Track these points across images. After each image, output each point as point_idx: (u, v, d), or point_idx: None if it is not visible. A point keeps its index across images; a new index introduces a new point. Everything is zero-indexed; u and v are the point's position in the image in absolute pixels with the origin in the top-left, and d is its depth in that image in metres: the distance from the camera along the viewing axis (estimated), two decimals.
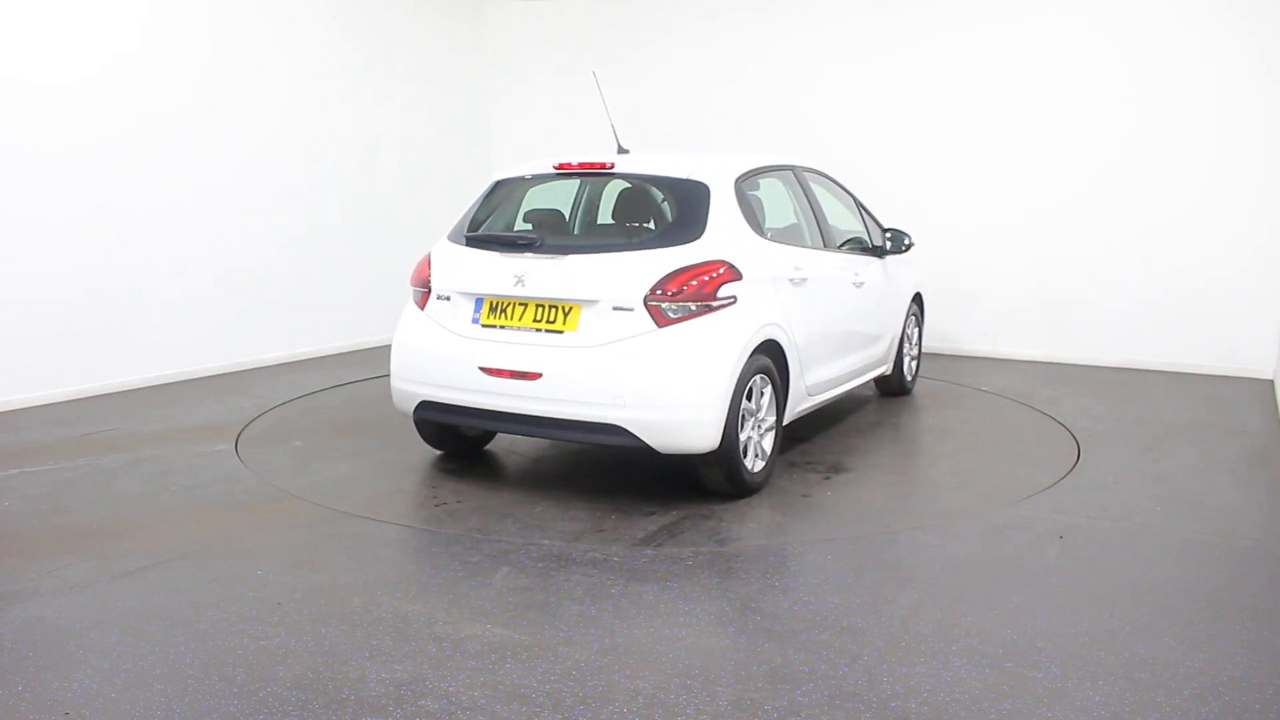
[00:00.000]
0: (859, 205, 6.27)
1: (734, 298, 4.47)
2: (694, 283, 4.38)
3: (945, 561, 3.91)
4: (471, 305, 4.72)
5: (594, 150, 5.67)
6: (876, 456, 5.47)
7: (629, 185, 5.21)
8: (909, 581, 3.68)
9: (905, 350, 6.81)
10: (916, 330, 7.06)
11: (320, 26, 8.24)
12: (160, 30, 6.94)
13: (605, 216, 5.52)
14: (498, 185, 5.21)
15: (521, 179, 5.19)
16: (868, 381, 6.33)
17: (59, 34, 6.32)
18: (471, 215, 5.12)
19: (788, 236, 5.39)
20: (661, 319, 4.34)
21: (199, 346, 7.37)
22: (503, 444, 5.59)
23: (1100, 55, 7.85)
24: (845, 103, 8.79)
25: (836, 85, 8.82)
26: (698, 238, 4.52)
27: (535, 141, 9.61)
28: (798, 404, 5.11)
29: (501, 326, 4.62)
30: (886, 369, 6.55)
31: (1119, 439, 5.80)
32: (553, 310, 4.52)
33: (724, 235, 4.60)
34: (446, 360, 4.69)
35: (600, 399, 4.32)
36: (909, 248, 6.40)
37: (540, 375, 4.42)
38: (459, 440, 5.34)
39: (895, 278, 6.42)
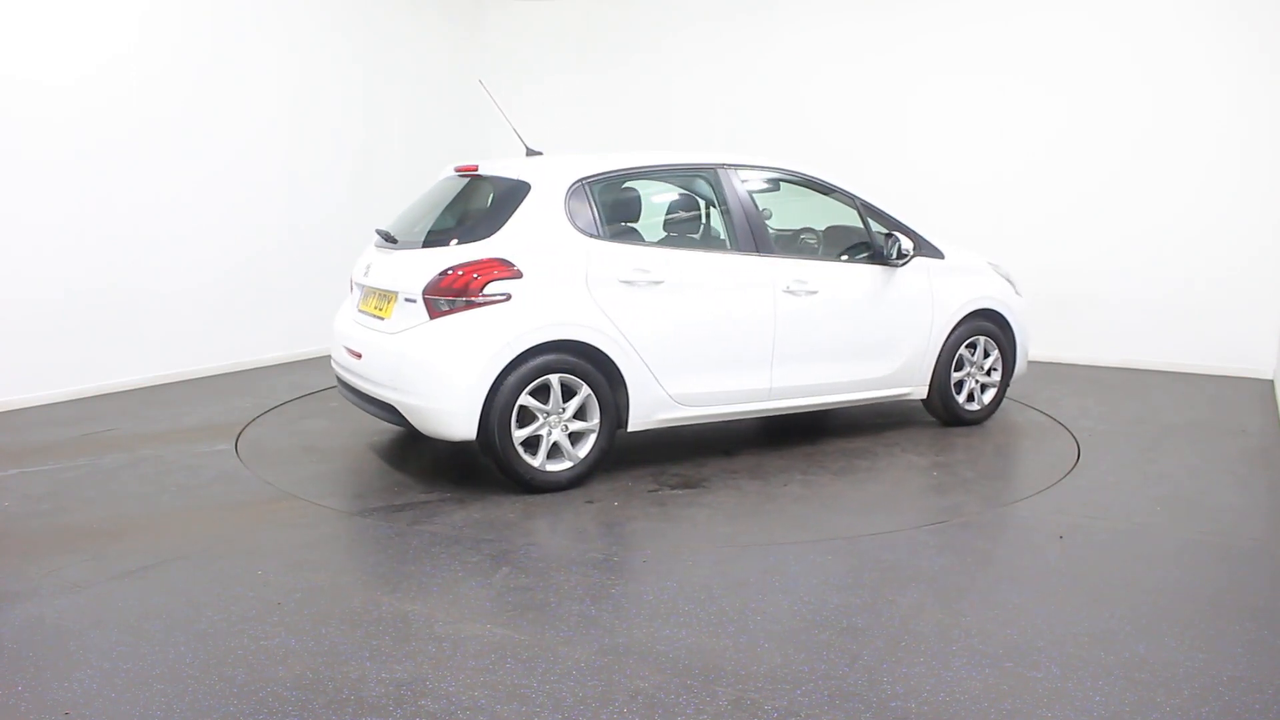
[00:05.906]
0: (864, 210, 5.67)
1: (507, 295, 4.57)
2: (460, 278, 4.56)
3: (945, 561, 3.91)
4: (358, 293, 5.31)
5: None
6: (775, 478, 4.96)
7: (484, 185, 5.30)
8: (909, 581, 3.67)
9: (967, 373, 6.01)
10: (995, 353, 6.07)
11: (319, 28, 8.24)
12: (158, 31, 6.94)
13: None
14: (441, 182, 5.57)
15: (447, 178, 5.55)
16: (887, 401, 5.87)
17: (58, 33, 6.32)
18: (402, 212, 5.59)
19: (672, 239, 5.36)
20: (434, 311, 4.59)
21: (199, 346, 7.38)
22: None
23: (1106, 58, 7.86)
24: (849, 102, 8.80)
25: (840, 84, 8.83)
26: (489, 235, 4.68)
27: (534, 140, 9.59)
28: (657, 412, 4.93)
29: (363, 312, 5.15)
30: (911, 391, 5.83)
31: (1119, 439, 5.80)
32: (383, 299, 4.96)
33: (521, 234, 4.68)
34: (337, 340, 5.35)
35: (384, 380, 4.75)
36: (900, 257, 5.60)
37: (361, 355, 4.96)
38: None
39: (912, 288, 5.71)
